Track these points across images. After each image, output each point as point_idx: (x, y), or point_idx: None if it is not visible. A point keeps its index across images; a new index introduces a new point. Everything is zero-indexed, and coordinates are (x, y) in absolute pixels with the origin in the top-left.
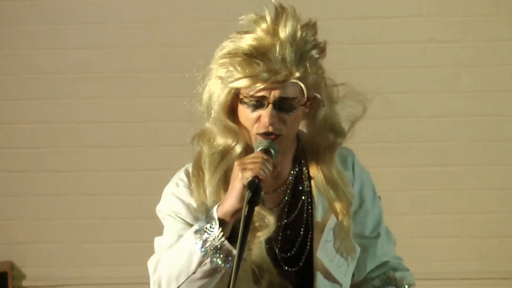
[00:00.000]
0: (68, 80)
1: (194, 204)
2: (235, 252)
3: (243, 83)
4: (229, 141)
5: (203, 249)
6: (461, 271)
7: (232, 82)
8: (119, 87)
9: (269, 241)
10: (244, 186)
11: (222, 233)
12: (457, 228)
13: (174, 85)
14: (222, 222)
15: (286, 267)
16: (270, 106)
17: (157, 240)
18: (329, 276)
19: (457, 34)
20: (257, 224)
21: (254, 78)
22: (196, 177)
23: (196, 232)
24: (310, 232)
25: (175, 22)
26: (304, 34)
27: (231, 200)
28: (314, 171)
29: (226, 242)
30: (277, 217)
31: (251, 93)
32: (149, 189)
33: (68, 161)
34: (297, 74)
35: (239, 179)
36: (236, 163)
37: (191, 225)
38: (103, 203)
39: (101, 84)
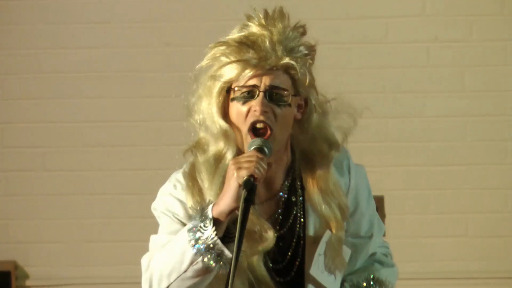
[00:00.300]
0: (71, 80)
1: (194, 212)
2: (227, 252)
3: (233, 70)
4: (221, 146)
5: (195, 248)
6: (465, 270)
7: (222, 67)
8: (123, 87)
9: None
10: (239, 185)
11: (215, 232)
12: (461, 228)
13: (177, 85)
14: (216, 222)
15: (277, 278)
16: (261, 94)
17: (153, 238)
18: (319, 286)
19: (461, 33)
20: (257, 236)
21: (244, 63)
22: (191, 189)
23: (190, 230)
24: (302, 244)
25: (179, 22)
26: (293, 32)
27: (226, 200)
28: (309, 182)
29: (218, 241)
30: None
31: (242, 82)
32: (153, 189)
33: (71, 160)
34: (287, 59)
35: (234, 178)
36: (231, 162)
37: None
38: (107, 202)
39: (104, 83)
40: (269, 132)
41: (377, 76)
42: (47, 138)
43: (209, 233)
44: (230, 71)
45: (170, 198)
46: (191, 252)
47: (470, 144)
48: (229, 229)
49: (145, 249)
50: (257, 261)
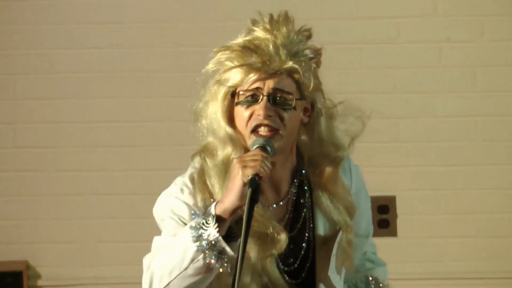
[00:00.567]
0: (82, 80)
1: (198, 211)
2: (228, 250)
3: (238, 74)
4: (229, 151)
5: (197, 244)
6: (475, 270)
7: (227, 71)
8: (133, 87)
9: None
10: (244, 184)
11: (217, 230)
12: (471, 228)
13: (189, 85)
14: (219, 219)
15: (289, 280)
16: (265, 98)
17: (156, 240)
18: (330, 286)
19: (473, 34)
20: (269, 239)
21: (248, 67)
22: (201, 193)
23: (192, 227)
24: (312, 246)
25: (189, 22)
26: (298, 36)
27: (231, 198)
28: (316, 186)
29: (220, 239)
30: None
31: (246, 86)
32: (165, 189)
33: (82, 161)
34: (290, 63)
35: (239, 177)
36: (235, 160)
37: None
38: (118, 203)
39: (115, 84)
40: (273, 132)
41: (388, 76)
42: (58, 139)
43: (211, 230)
44: (234, 76)
45: (177, 201)
46: (193, 249)
47: (481, 144)
48: (232, 229)
49: None
50: (270, 264)
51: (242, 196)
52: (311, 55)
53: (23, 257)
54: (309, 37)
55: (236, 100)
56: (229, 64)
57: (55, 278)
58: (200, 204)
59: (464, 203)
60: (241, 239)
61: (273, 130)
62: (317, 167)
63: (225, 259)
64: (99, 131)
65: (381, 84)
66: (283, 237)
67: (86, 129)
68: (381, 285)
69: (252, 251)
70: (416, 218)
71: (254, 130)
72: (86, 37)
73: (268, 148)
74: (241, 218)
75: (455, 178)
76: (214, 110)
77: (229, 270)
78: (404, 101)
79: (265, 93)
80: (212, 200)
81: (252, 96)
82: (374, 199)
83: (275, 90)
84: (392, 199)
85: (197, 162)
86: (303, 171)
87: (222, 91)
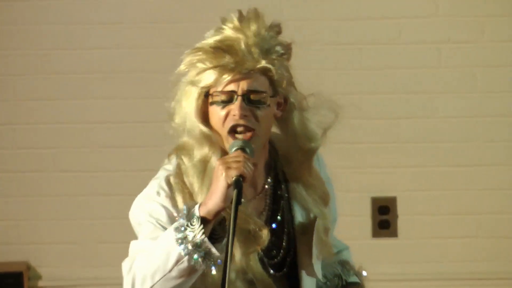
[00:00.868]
0: (83, 80)
1: (175, 213)
2: (214, 250)
3: (211, 75)
4: (206, 150)
5: (182, 246)
6: (476, 271)
7: (200, 74)
8: (134, 88)
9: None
10: (228, 185)
11: (203, 231)
12: (472, 228)
13: None
14: (203, 221)
15: (273, 272)
16: (239, 98)
17: (134, 244)
18: (312, 274)
19: (473, 34)
20: (251, 235)
21: (221, 68)
22: (181, 188)
23: (176, 229)
24: (293, 236)
25: (190, 22)
26: (269, 32)
27: (215, 199)
28: (292, 177)
29: (206, 240)
30: None
31: (220, 88)
32: None
33: (83, 161)
34: (264, 62)
35: (223, 178)
36: (218, 162)
37: None
38: (119, 203)
39: (116, 84)
40: (250, 134)
41: (388, 76)
42: (59, 139)
43: (196, 231)
44: (207, 77)
45: (154, 204)
46: (177, 250)
47: (481, 144)
48: (215, 230)
49: None
50: (254, 259)
51: (226, 198)
52: (282, 51)
53: (24, 257)
54: (279, 32)
55: (210, 100)
56: (201, 65)
57: (56, 278)
58: (180, 205)
59: (465, 203)
60: (229, 238)
61: (250, 130)
62: (291, 160)
63: (211, 261)
64: (99, 131)
65: (381, 85)
66: (265, 232)
67: (86, 130)
68: (354, 268)
69: (236, 248)
70: (416, 219)
71: (231, 131)
72: (86, 37)
73: (247, 150)
74: (224, 219)
75: (455, 179)
76: (189, 110)
77: (214, 271)
78: (404, 101)
79: (239, 93)
80: (192, 200)
81: (226, 96)
82: (375, 200)
83: (249, 91)
84: (393, 200)
85: (169, 164)
86: (278, 165)
87: (195, 91)
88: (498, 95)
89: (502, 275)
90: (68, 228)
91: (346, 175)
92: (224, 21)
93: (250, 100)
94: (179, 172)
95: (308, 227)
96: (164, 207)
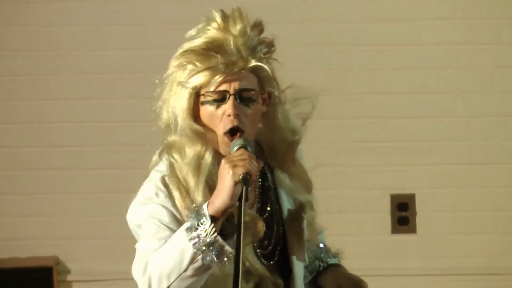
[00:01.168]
0: (109, 81)
1: (176, 213)
2: (227, 247)
3: (202, 77)
4: (198, 148)
5: (195, 246)
6: (494, 266)
7: (192, 76)
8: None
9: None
10: (235, 183)
11: (214, 229)
12: (490, 225)
13: None
14: (213, 219)
15: (266, 262)
16: (232, 97)
17: (140, 246)
18: (302, 259)
19: (491, 36)
20: (247, 227)
21: (213, 70)
22: (177, 186)
23: (188, 229)
24: (281, 225)
25: None
26: (253, 31)
27: (222, 198)
28: (277, 168)
29: (219, 238)
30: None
31: (212, 88)
32: None
33: (112, 159)
34: (253, 61)
35: (230, 176)
36: (223, 161)
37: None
38: None
39: (142, 84)
40: (239, 134)
41: (409, 77)
42: (88, 137)
43: (208, 230)
44: (198, 78)
45: (153, 205)
46: (191, 250)
47: (499, 143)
48: (224, 227)
49: None
50: (249, 251)
51: (233, 195)
52: (266, 49)
53: (53, 252)
54: (261, 30)
55: (201, 100)
56: (192, 67)
57: (85, 273)
58: (178, 203)
59: (483, 200)
60: (239, 236)
61: (240, 131)
62: (276, 152)
63: (225, 257)
64: (125, 130)
65: (402, 85)
66: (260, 224)
67: (112, 128)
68: (331, 250)
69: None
70: (435, 215)
71: (228, 132)
72: (110, 38)
73: (249, 148)
74: (231, 216)
75: (473, 176)
76: (180, 110)
77: (226, 266)
78: (424, 101)
79: (231, 93)
80: (189, 196)
81: (219, 96)
82: (394, 197)
83: (241, 90)
84: (412, 197)
85: (160, 164)
86: (263, 157)
87: (186, 91)
88: None
89: None
90: (97, 224)
91: (366, 173)
92: (208, 22)
93: (242, 98)
94: (173, 171)
95: (296, 214)
96: (165, 207)
